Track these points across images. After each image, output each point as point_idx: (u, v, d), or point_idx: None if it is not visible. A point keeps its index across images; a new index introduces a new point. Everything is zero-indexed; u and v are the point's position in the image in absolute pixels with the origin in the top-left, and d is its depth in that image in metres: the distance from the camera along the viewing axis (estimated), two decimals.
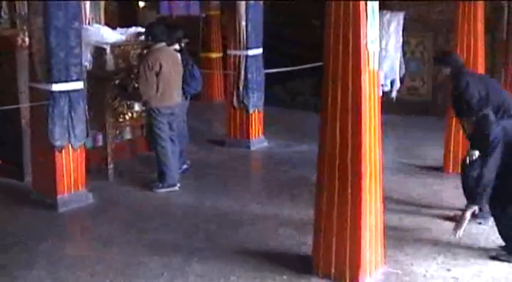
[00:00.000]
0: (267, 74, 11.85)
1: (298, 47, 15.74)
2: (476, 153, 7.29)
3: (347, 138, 5.93)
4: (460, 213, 7.00)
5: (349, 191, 5.96)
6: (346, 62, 5.86)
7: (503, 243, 6.90)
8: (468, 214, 6.64)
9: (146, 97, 8.89)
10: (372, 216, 6.13)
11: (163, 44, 9.06)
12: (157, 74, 8.81)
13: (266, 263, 6.65)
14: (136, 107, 9.88)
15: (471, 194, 6.84)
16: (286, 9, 18.21)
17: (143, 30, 9.80)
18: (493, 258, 6.80)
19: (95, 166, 9.35)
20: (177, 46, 9.46)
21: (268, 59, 12.10)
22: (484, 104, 7.44)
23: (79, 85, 8.25)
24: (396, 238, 7.13)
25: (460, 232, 6.63)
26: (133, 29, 10.29)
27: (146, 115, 9.28)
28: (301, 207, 8.14)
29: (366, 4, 5.85)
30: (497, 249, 6.97)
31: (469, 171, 7.40)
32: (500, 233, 6.94)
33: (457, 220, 6.82)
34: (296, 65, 13.07)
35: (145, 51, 9.39)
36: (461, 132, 9.13)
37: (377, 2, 6.04)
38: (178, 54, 9.33)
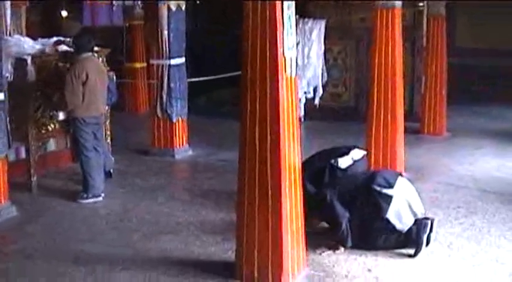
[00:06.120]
0: (191, 84, 11.89)
1: (222, 57, 15.86)
2: None
3: (266, 144, 5.99)
4: None
5: (270, 196, 6.01)
6: (263, 69, 5.92)
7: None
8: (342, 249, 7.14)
9: (72, 106, 8.86)
10: (293, 220, 6.21)
11: (90, 53, 9.06)
12: (83, 84, 8.79)
13: (190, 269, 6.68)
14: (61, 116, 9.77)
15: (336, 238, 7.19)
16: (209, 19, 18.35)
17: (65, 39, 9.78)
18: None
19: (18, 179, 9.21)
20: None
21: (193, 69, 12.15)
22: None
23: (0, 96, 8.15)
24: (318, 240, 7.24)
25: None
26: (55, 39, 10.20)
27: (71, 125, 9.23)
28: (225, 214, 8.22)
29: (283, 12, 5.96)
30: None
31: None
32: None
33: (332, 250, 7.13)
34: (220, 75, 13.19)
35: (70, 61, 9.35)
36: (381, 136, 9.42)
37: (293, 10, 6.16)
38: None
